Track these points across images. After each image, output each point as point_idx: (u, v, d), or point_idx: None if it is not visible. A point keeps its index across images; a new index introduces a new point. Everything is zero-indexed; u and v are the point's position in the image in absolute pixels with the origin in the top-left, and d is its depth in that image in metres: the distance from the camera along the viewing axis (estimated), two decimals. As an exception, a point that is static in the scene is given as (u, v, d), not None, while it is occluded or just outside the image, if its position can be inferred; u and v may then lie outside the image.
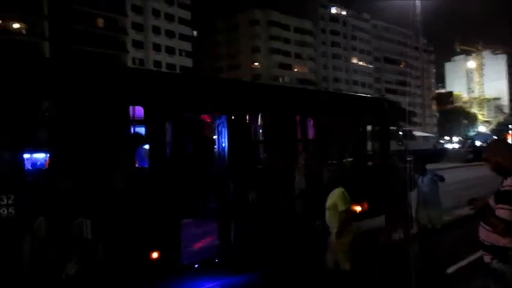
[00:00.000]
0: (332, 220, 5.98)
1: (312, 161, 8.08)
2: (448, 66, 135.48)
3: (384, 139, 9.69)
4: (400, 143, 10.26)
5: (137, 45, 63.30)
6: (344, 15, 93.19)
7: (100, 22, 60.60)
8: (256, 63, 79.51)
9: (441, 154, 40.27)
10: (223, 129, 6.93)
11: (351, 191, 6.14)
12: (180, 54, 68.31)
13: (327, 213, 6.06)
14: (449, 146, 64.90)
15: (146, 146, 6.06)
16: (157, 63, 63.35)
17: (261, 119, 7.60)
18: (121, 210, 5.47)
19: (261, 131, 7.78)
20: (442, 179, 7.85)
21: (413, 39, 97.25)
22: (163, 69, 61.95)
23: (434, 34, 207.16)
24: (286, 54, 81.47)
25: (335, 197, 5.99)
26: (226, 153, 6.87)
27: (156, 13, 65.69)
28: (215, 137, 7.40)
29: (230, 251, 6.75)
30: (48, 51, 52.77)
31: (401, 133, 10.45)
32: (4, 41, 48.19)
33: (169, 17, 67.29)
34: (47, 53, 52.23)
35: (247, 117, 7.35)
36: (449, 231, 8.63)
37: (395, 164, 9.40)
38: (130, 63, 59.42)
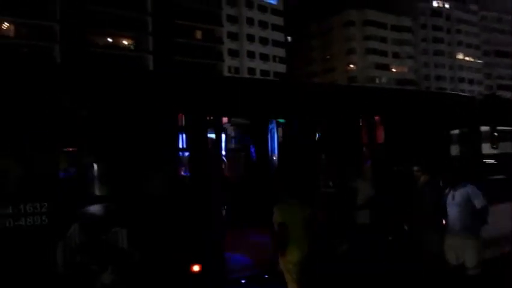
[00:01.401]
0: None
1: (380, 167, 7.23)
2: None
3: (473, 142, 8.42)
4: (494, 146, 8.86)
5: (233, 53, 65.24)
6: (447, 8, 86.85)
7: (198, 34, 63.62)
8: (351, 65, 77.40)
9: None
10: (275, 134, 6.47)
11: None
12: (274, 61, 68.99)
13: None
14: None
15: (186, 155, 5.82)
16: (251, 70, 64.64)
17: (319, 123, 6.99)
18: (160, 219, 5.28)
19: (320, 135, 7.16)
20: (481, 200, 5.71)
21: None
22: (257, 75, 63.07)
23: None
24: (383, 53, 78.13)
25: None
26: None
27: (250, 21, 67.16)
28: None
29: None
30: (152, 64, 56.61)
31: (496, 134, 9.03)
32: (114, 56, 52.88)
33: (263, 24, 68.37)
34: (150, 66, 56.10)
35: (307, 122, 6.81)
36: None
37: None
38: (226, 72, 61.42)
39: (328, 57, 78.61)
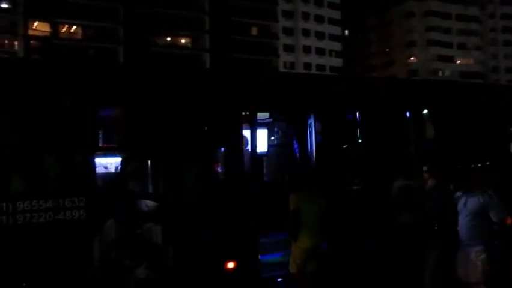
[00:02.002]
0: None
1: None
2: None
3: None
4: None
5: (288, 48, 64.94)
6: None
7: (254, 30, 63.94)
8: (412, 58, 74.41)
9: None
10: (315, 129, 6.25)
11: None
12: (330, 55, 67.89)
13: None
14: None
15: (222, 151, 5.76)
16: (307, 65, 64.02)
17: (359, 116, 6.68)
18: (195, 215, 5.28)
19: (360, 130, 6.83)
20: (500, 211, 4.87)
21: None
22: (313, 70, 62.33)
23: None
24: (447, 45, 74.36)
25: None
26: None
27: (306, 16, 66.48)
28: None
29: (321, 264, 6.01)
30: (209, 61, 57.68)
31: None
32: (173, 55, 54.49)
33: (319, 19, 67.44)
34: (207, 64, 57.20)
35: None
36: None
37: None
38: (281, 67, 61.28)
39: (387, 50, 76.09)
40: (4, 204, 4.45)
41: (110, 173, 5.61)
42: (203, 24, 59.32)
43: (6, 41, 53.46)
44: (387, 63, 74.48)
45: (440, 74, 71.63)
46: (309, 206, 5.48)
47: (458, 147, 7.11)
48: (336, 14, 68.63)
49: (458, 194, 5.13)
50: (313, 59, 65.76)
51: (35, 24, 53.14)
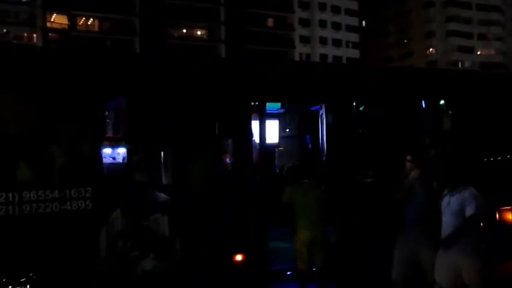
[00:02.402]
0: None
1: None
2: None
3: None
4: None
5: (304, 40, 64.39)
6: (543, -17, 78.67)
7: (270, 22, 63.53)
8: (431, 49, 73.04)
9: None
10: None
11: None
12: (347, 46, 67.09)
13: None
14: None
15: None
16: (323, 57, 63.39)
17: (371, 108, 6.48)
18: (203, 207, 5.21)
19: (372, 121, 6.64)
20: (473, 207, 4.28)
21: None
22: (330, 62, 61.76)
23: None
24: (467, 35, 72.71)
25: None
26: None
27: (322, 7, 65.73)
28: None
29: (332, 258, 5.89)
30: (224, 53, 57.58)
31: None
32: (189, 46, 54.57)
33: (336, 9, 66.60)
34: (223, 55, 57.13)
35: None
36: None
37: None
38: (297, 59, 60.83)
39: (405, 41, 74.83)
40: (11, 194, 4.43)
41: (117, 164, 5.56)
42: (219, 16, 59.16)
43: (26, 34, 54.15)
44: (406, 55, 73.27)
45: (460, 64, 70.16)
46: (305, 198, 5.41)
47: (476, 139, 6.86)
48: (353, 5, 67.67)
49: (444, 192, 4.51)
50: (330, 50, 65.05)
51: (53, 16, 53.67)
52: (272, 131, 7.98)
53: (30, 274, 4.45)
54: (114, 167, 5.41)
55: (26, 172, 4.61)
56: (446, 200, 4.47)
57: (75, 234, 4.64)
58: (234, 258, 5.35)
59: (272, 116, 8.09)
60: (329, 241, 5.65)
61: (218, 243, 5.25)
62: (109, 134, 5.27)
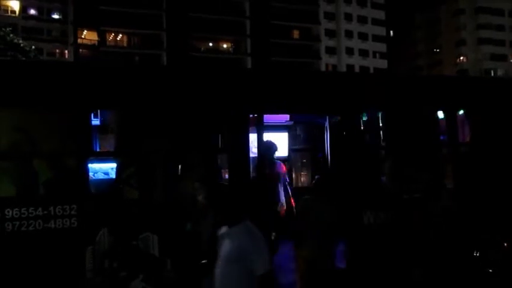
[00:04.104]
0: None
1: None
2: None
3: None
4: None
5: (330, 51, 63.99)
6: None
7: (295, 33, 63.52)
8: (461, 58, 71.22)
9: None
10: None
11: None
12: (374, 56, 66.26)
13: None
14: None
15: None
16: (350, 67, 62.76)
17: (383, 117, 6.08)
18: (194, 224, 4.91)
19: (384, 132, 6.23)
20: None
21: None
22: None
23: None
24: (500, 43, 70.58)
25: None
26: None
27: (348, 17, 65.33)
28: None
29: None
30: (250, 65, 57.84)
31: None
32: (215, 59, 55.06)
33: (362, 19, 66.08)
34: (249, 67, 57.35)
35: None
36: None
37: None
38: (323, 69, 60.43)
39: (435, 50, 73.30)
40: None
41: (104, 180, 5.35)
42: (244, 29, 59.58)
43: (58, 50, 55.97)
44: (435, 64, 71.75)
45: (492, 73, 68.07)
46: (315, 215, 5.07)
47: (497, 151, 6.33)
48: (380, 14, 66.97)
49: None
50: (357, 61, 64.40)
51: (84, 33, 55.30)
52: (281, 144, 7.65)
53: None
54: (101, 184, 5.20)
55: (9, 188, 4.44)
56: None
57: (59, 254, 4.42)
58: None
59: (281, 128, 7.78)
60: (333, 265, 5.21)
61: (213, 263, 4.92)
62: (99, 148, 5.06)
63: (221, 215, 3.16)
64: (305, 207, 5.27)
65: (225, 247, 3.25)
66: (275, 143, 6.71)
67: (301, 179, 8.43)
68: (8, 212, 4.30)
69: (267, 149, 6.24)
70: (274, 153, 6.72)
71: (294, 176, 8.13)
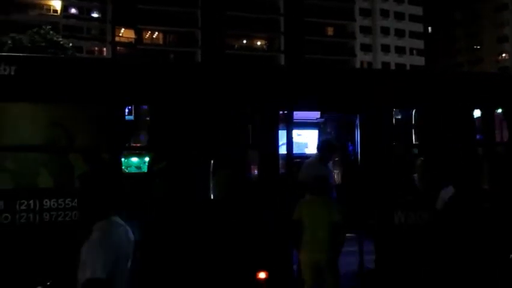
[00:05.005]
0: None
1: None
2: None
3: None
4: None
5: (365, 48, 62.96)
6: None
7: (330, 30, 62.82)
8: (503, 55, 68.54)
9: None
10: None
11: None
12: (411, 53, 64.69)
13: None
14: None
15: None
16: (385, 65, 61.55)
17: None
18: (224, 221, 4.97)
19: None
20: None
21: None
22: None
23: None
24: (545, 39, 67.61)
25: None
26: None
27: (384, 13, 64.01)
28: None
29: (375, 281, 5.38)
30: (284, 63, 57.63)
31: None
32: (249, 57, 55.24)
33: (399, 16, 64.59)
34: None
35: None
36: None
37: None
38: (358, 67, 59.55)
39: (475, 47, 70.85)
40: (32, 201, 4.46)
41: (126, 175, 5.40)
42: (278, 26, 59.42)
43: (96, 48, 57.52)
44: (476, 61, 69.37)
45: (537, 71, 65.24)
46: (317, 216, 4.86)
47: None
48: (417, 10, 65.28)
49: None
50: (393, 58, 63.06)
51: (122, 31, 56.60)
52: (311, 141, 7.62)
53: (48, 283, 4.42)
54: (136, 176, 5.33)
55: (47, 180, 4.62)
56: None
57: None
58: (257, 275, 5.05)
59: (311, 125, 7.73)
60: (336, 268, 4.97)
61: (240, 258, 4.98)
62: (132, 143, 5.18)
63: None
64: (307, 208, 5.01)
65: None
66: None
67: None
68: (46, 202, 4.49)
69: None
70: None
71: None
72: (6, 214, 4.38)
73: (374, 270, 5.36)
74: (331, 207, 4.98)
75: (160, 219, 4.76)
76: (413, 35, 64.81)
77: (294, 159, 5.55)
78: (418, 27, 65.65)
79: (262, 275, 5.05)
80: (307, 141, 7.89)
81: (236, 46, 58.75)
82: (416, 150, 6.29)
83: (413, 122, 5.98)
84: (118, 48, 56.12)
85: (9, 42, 29.51)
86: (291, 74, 5.52)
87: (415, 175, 6.11)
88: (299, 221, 4.93)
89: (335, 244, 4.87)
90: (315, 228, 4.85)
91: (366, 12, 63.34)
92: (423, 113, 5.89)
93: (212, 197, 5.09)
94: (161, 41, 58.80)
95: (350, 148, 7.60)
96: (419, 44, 65.22)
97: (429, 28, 70.11)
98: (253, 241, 4.99)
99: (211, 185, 5.11)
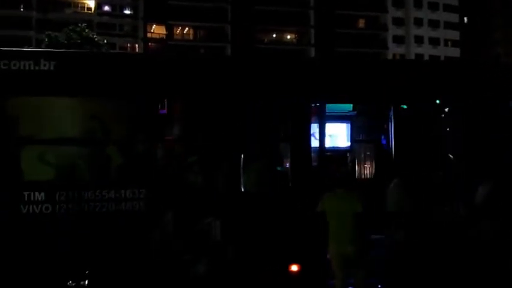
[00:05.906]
0: None
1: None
2: None
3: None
4: None
5: (398, 40, 61.59)
6: None
7: (361, 22, 61.78)
8: (545, 45, 65.79)
9: None
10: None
11: None
12: (445, 45, 62.88)
13: None
14: None
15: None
16: (419, 57, 60.04)
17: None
18: (258, 214, 5.00)
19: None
20: None
21: None
22: (425, 62, 58.24)
23: None
24: None
25: None
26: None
27: (418, 4, 62.37)
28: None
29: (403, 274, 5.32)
30: (314, 55, 57.14)
31: None
32: (279, 51, 55.08)
33: (433, 6, 62.81)
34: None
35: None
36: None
37: None
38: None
39: (514, 37, 68.22)
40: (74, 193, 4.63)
41: (171, 166, 5.54)
42: (308, 19, 58.90)
43: (129, 44, 58.62)
44: (513, 52, 66.82)
45: None
46: (340, 208, 4.91)
47: None
48: (452, 1, 63.26)
49: None
50: (426, 50, 61.42)
51: (153, 27, 57.44)
52: (341, 135, 7.53)
53: (86, 272, 4.59)
54: (168, 169, 5.40)
55: (84, 173, 4.78)
56: None
57: (127, 235, 4.70)
58: (290, 268, 5.07)
59: (343, 118, 7.64)
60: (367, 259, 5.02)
61: (273, 251, 5.01)
62: (167, 135, 5.26)
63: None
64: (329, 200, 5.05)
65: None
66: None
67: (365, 171, 8.24)
68: (85, 194, 4.65)
69: None
70: None
71: (357, 168, 7.96)
72: (47, 204, 4.56)
73: (410, 266, 5.29)
74: (353, 199, 5.00)
75: (193, 211, 4.85)
76: (448, 25, 62.92)
77: (326, 153, 5.53)
78: (453, 18, 63.68)
79: (294, 267, 5.08)
80: (338, 134, 7.80)
81: (266, 40, 58.62)
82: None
83: (445, 115, 5.81)
84: (150, 44, 56.98)
85: (46, 39, 30.50)
86: (323, 67, 5.47)
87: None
88: (323, 213, 4.99)
89: (361, 235, 4.89)
90: (339, 220, 4.89)
91: (399, 4, 61.87)
92: (459, 105, 5.72)
93: (243, 190, 5.13)
94: (191, 37, 59.33)
95: (383, 142, 7.49)
96: (454, 34, 63.29)
97: (465, 18, 67.86)
98: (286, 234, 5.01)
99: (243, 179, 5.15)
